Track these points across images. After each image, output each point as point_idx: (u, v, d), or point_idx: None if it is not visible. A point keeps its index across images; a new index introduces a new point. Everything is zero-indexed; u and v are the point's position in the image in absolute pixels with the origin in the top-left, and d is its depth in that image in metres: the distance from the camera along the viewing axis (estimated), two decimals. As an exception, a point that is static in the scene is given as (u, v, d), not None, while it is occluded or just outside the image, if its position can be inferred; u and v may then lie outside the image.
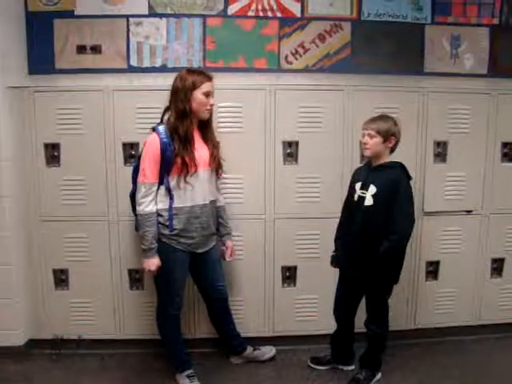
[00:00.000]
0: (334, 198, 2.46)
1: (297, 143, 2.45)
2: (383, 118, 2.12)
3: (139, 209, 2.02)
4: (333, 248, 2.30)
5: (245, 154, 2.42)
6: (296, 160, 2.46)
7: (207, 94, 2.04)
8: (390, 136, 2.07)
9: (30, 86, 2.37)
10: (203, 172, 2.08)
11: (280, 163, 2.46)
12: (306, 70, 2.69)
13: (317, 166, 2.47)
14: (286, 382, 2.30)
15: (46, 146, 2.39)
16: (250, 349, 2.42)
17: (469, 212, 2.59)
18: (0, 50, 2.32)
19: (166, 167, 2.00)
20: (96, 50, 2.60)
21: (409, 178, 2.12)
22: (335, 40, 2.68)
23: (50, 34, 2.56)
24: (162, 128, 2.03)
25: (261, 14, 2.64)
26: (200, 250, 2.14)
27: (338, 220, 2.30)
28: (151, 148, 2.00)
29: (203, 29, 2.63)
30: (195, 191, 2.06)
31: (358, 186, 2.16)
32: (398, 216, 2.03)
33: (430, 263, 2.61)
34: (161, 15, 2.61)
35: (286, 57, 2.68)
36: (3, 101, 2.33)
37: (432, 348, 2.59)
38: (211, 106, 2.07)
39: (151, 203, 2.02)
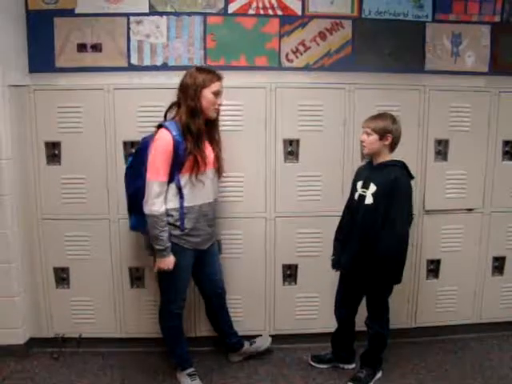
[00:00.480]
0: (335, 196, 2.46)
1: (297, 141, 2.45)
2: (382, 115, 2.12)
3: (152, 209, 1.95)
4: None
5: (245, 152, 2.42)
6: (297, 158, 2.46)
7: (216, 94, 2.02)
8: (386, 134, 2.07)
9: (30, 85, 2.37)
10: (210, 171, 2.08)
11: (281, 161, 2.45)
12: (306, 68, 2.69)
13: (317, 164, 2.47)
14: (286, 380, 2.31)
15: (47, 144, 2.39)
16: (247, 344, 2.42)
17: (470, 210, 2.59)
18: (0, 48, 2.31)
19: (177, 165, 1.97)
20: (96, 48, 2.60)
21: (410, 177, 2.11)
22: (336, 38, 2.68)
23: (51, 33, 2.57)
24: (172, 125, 1.99)
25: (261, 12, 2.64)
26: (204, 247, 2.15)
27: (338, 218, 2.29)
28: (164, 146, 1.95)
29: (204, 27, 2.63)
30: (204, 190, 2.06)
31: (359, 184, 2.16)
32: (396, 215, 2.03)
33: (430, 261, 2.61)
34: (161, 13, 2.61)
35: (287, 55, 2.68)
36: (4, 99, 2.32)
37: (432, 346, 2.60)
38: (219, 105, 2.06)
39: (163, 203, 1.97)
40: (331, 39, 2.68)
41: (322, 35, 2.67)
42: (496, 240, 2.62)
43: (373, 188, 2.08)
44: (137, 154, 2.10)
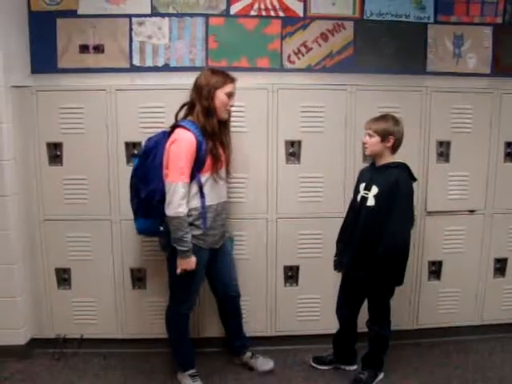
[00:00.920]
0: (337, 197, 2.46)
1: (299, 142, 2.45)
2: (384, 117, 2.11)
3: (178, 211, 1.92)
4: (335, 248, 2.29)
5: (247, 153, 2.42)
6: (298, 159, 2.46)
7: (229, 95, 2.03)
8: (389, 135, 2.07)
9: (32, 86, 2.37)
10: (223, 169, 2.11)
11: (282, 162, 2.45)
12: (308, 69, 2.69)
13: (319, 166, 2.47)
14: (288, 381, 2.30)
15: (49, 145, 2.39)
16: (248, 354, 2.39)
17: (472, 212, 2.58)
18: (3, 49, 2.31)
19: (198, 165, 1.98)
20: (99, 49, 2.61)
21: (413, 178, 2.11)
22: (338, 39, 2.68)
23: (53, 34, 2.57)
24: (191, 125, 1.98)
25: (263, 13, 2.64)
26: (217, 246, 2.16)
27: (340, 219, 2.30)
28: (187, 146, 1.94)
29: (206, 28, 2.63)
30: (220, 189, 2.10)
31: (362, 186, 2.16)
32: (397, 217, 2.03)
33: (432, 263, 2.60)
34: (163, 15, 2.61)
35: (289, 56, 2.68)
36: (6, 100, 2.32)
37: (434, 348, 2.59)
38: (231, 106, 2.06)
39: (185, 204, 1.95)
40: (333, 40, 2.68)
41: (324, 36, 2.68)
42: (498, 241, 2.61)
43: (375, 190, 2.08)
44: (145, 156, 2.06)
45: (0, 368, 2.37)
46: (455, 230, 2.58)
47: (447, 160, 2.52)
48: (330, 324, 2.42)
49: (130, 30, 2.61)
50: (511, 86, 2.57)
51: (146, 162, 2.04)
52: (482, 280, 2.64)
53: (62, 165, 2.41)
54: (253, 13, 2.63)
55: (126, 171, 2.38)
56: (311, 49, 2.68)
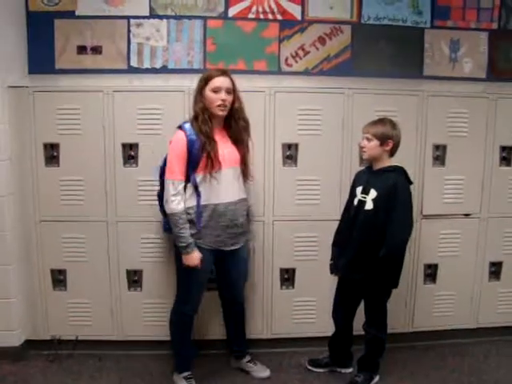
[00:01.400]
0: (333, 200, 2.46)
1: (296, 146, 2.45)
2: (381, 121, 2.12)
3: (170, 207, 2.00)
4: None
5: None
6: (295, 162, 2.46)
7: (215, 90, 2.00)
8: (387, 139, 2.08)
9: (30, 86, 2.36)
10: (228, 170, 2.06)
11: (279, 165, 2.46)
12: (305, 72, 2.70)
13: (316, 169, 2.47)
14: (283, 384, 2.30)
15: (46, 146, 2.38)
16: (247, 358, 2.39)
17: (467, 215, 2.60)
18: (0, 49, 2.31)
19: (192, 164, 2.00)
20: (96, 50, 2.61)
21: (409, 182, 2.12)
22: (335, 43, 2.70)
23: (51, 34, 2.57)
24: (187, 125, 2.03)
25: (261, 16, 2.65)
26: (227, 248, 2.12)
27: (337, 223, 2.30)
28: (177, 145, 2.00)
29: (204, 30, 2.64)
30: (220, 189, 2.05)
31: (358, 190, 2.16)
32: (395, 221, 2.03)
33: (428, 266, 2.61)
34: (161, 16, 2.62)
35: (286, 59, 2.69)
36: (3, 100, 2.32)
37: (430, 351, 2.60)
38: (222, 101, 2.00)
39: (181, 201, 2.01)
40: (330, 44, 2.69)
41: (322, 40, 2.69)
42: (493, 245, 2.63)
43: (373, 194, 2.09)
44: (164, 159, 2.14)
45: (-6, 370, 2.36)
46: (451, 233, 2.59)
47: (443, 164, 2.53)
48: (325, 327, 2.42)
49: (128, 31, 2.61)
50: (507, 90, 2.60)
51: (165, 162, 2.12)
52: (478, 283, 2.66)
53: (58, 165, 2.40)
54: (251, 15, 2.64)
55: (123, 173, 2.39)
56: (309, 52, 2.69)
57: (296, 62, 2.69)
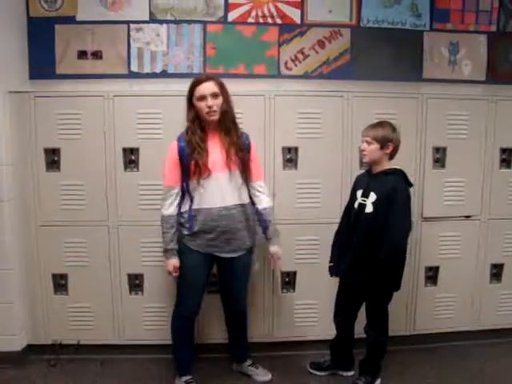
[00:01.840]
0: (334, 203, 2.47)
1: (296, 149, 2.46)
2: (381, 124, 2.13)
3: (161, 211, 2.11)
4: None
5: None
6: (295, 166, 2.47)
7: (201, 99, 2.02)
8: (388, 142, 2.08)
9: (30, 91, 2.38)
10: (220, 175, 2.06)
11: (280, 169, 2.46)
12: (305, 76, 2.71)
13: (316, 172, 2.48)
14: (285, 387, 2.30)
15: (46, 150, 2.40)
16: (248, 361, 2.39)
17: (468, 217, 2.60)
18: (1, 54, 2.32)
19: (185, 171, 2.06)
20: (97, 55, 2.61)
21: (409, 185, 2.12)
22: (335, 46, 2.70)
23: (51, 40, 2.58)
24: (182, 135, 2.10)
25: (261, 20, 2.66)
26: (224, 255, 2.12)
27: (337, 225, 2.30)
28: (169, 153, 2.09)
29: (204, 35, 2.65)
30: (211, 194, 2.06)
31: (359, 193, 2.16)
32: (391, 225, 2.04)
33: (429, 268, 2.61)
34: (161, 21, 2.63)
35: (286, 63, 2.70)
36: (4, 105, 2.33)
37: (431, 353, 2.59)
38: (209, 107, 2.01)
39: (171, 206, 2.09)
40: (330, 47, 2.70)
41: (321, 43, 2.70)
42: (494, 247, 2.63)
43: (373, 197, 2.09)
44: None
45: (-5, 375, 2.36)
46: (451, 235, 2.59)
47: (443, 166, 2.54)
48: (327, 330, 2.42)
49: (129, 36, 2.61)
50: (506, 92, 2.61)
51: None
52: (479, 285, 2.65)
53: (59, 170, 2.41)
54: (250, 20, 2.65)
55: (124, 177, 2.40)
56: (308, 56, 2.69)
57: (295, 65, 2.70)
